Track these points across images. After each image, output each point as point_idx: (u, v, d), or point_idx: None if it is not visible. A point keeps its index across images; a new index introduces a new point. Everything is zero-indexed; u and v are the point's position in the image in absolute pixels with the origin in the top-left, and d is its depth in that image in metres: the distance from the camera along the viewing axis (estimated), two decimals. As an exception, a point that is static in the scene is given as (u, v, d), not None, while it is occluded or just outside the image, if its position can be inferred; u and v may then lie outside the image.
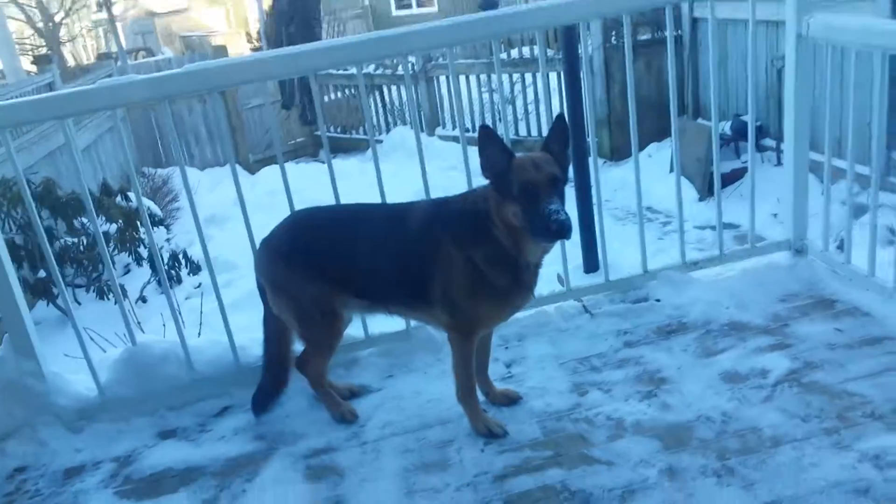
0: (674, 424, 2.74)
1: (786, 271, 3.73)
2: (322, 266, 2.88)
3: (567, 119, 2.70)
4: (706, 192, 8.43)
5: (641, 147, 9.08)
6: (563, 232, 2.44)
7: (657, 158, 9.37)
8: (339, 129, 14.47)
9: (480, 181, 2.73)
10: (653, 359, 3.18)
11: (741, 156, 8.69)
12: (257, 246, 3.09)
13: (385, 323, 3.29)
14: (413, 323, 3.49)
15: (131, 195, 7.73)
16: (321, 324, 2.95)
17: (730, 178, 8.03)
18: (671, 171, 8.74)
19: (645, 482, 2.46)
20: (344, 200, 3.43)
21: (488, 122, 11.99)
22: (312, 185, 8.83)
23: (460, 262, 2.67)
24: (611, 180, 8.92)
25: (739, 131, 8.58)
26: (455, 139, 11.65)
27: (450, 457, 2.74)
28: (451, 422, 2.94)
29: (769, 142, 8.59)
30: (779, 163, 8.02)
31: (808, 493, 2.31)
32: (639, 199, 3.80)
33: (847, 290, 3.45)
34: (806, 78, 3.64)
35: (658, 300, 3.63)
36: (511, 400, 3.02)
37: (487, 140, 2.54)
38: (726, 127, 8.88)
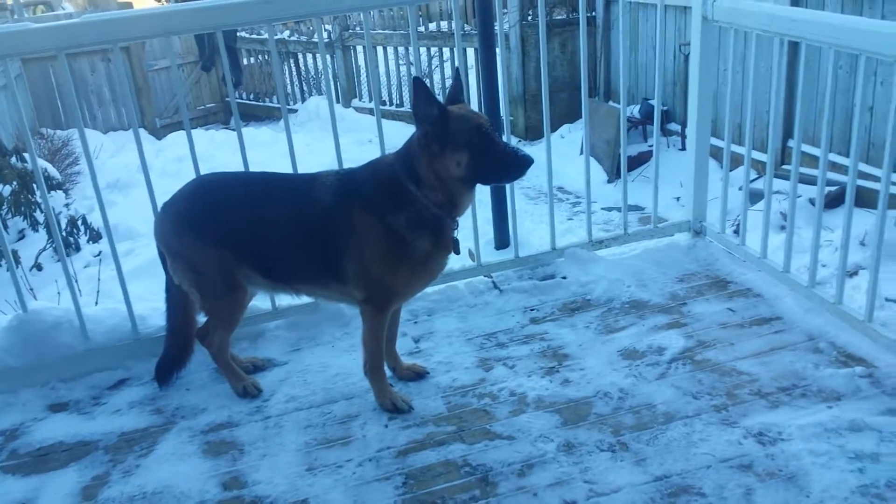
0: (573, 400, 2.81)
1: (685, 251, 3.88)
2: (223, 234, 2.78)
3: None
4: (614, 174, 8.62)
5: (554, 128, 9.21)
6: (528, 163, 2.55)
7: (570, 139, 9.53)
8: (251, 97, 14.07)
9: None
10: (557, 335, 3.26)
11: (648, 139, 8.92)
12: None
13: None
14: (321, 296, 3.45)
15: (28, 156, 7.32)
16: (222, 295, 2.87)
17: (637, 161, 8.24)
18: (582, 152, 8.92)
19: (543, 456, 2.52)
20: (254, 170, 3.34)
21: (405, 95, 11.90)
22: (222, 152, 8.62)
23: (378, 231, 2.61)
24: (524, 159, 9.00)
25: (647, 115, 8.81)
26: (372, 111, 11.53)
27: (353, 432, 2.74)
28: (357, 396, 2.94)
29: (675, 126, 8.85)
30: (683, 147, 8.28)
31: (696, 468, 2.41)
32: (549, 179, 3.86)
33: (741, 271, 3.62)
34: (710, 61, 3.77)
35: (564, 277, 3.71)
36: (418, 374, 3.03)
37: (421, 91, 2.50)
38: (635, 110, 9.10)
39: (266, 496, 2.46)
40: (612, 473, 2.42)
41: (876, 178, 3.17)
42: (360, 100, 12.82)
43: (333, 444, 2.69)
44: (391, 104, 12.00)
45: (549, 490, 2.37)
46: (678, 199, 6.62)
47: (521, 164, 2.56)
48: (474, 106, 8.54)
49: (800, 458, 2.40)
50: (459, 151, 2.50)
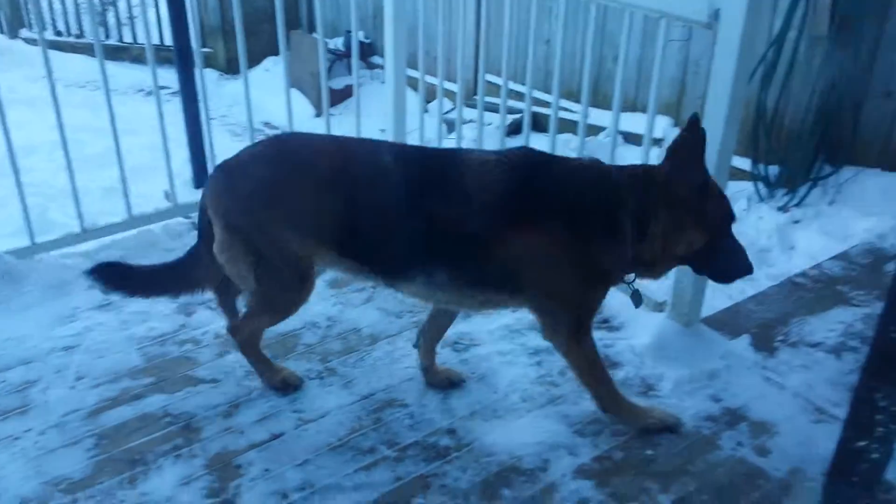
0: (281, 334, 2.78)
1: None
2: (317, 219, 2.17)
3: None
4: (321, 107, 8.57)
5: (258, 60, 8.87)
6: (747, 272, 2.16)
7: (275, 73, 9.22)
8: None
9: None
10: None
11: (355, 72, 8.97)
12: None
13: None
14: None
15: None
16: (289, 287, 2.28)
17: (343, 94, 8.25)
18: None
19: (250, 395, 2.49)
20: None
21: (85, 25, 10.68)
22: None
23: (574, 253, 2.09)
24: (226, 95, 8.56)
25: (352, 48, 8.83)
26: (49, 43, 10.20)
27: (33, 398, 2.47)
28: (36, 360, 2.66)
29: (379, 59, 8.98)
30: (388, 80, 8.45)
31: (400, 383, 2.56)
32: (249, 115, 3.75)
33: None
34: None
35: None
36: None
37: (698, 150, 1.99)
38: (339, 42, 9.06)
39: (-75, 485, 2.14)
40: (319, 399, 2.46)
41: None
42: (30, 29, 11.26)
43: (9, 414, 2.40)
44: (69, 34, 10.69)
45: (256, 426, 2.36)
46: (383, 130, 6.76)
47: (740, 270, 2.16)
48: (167, 35, 7.84)
49: (489, 360, 2.65)
50: (701, 233, 2.09)
